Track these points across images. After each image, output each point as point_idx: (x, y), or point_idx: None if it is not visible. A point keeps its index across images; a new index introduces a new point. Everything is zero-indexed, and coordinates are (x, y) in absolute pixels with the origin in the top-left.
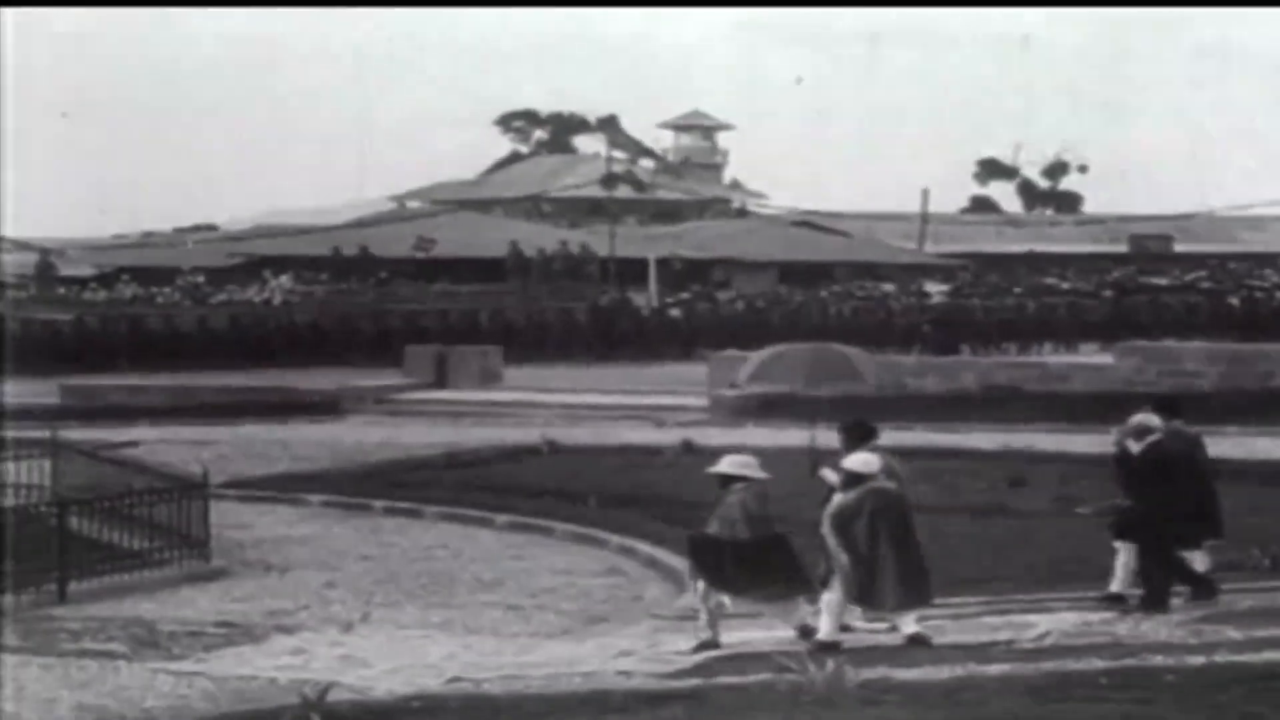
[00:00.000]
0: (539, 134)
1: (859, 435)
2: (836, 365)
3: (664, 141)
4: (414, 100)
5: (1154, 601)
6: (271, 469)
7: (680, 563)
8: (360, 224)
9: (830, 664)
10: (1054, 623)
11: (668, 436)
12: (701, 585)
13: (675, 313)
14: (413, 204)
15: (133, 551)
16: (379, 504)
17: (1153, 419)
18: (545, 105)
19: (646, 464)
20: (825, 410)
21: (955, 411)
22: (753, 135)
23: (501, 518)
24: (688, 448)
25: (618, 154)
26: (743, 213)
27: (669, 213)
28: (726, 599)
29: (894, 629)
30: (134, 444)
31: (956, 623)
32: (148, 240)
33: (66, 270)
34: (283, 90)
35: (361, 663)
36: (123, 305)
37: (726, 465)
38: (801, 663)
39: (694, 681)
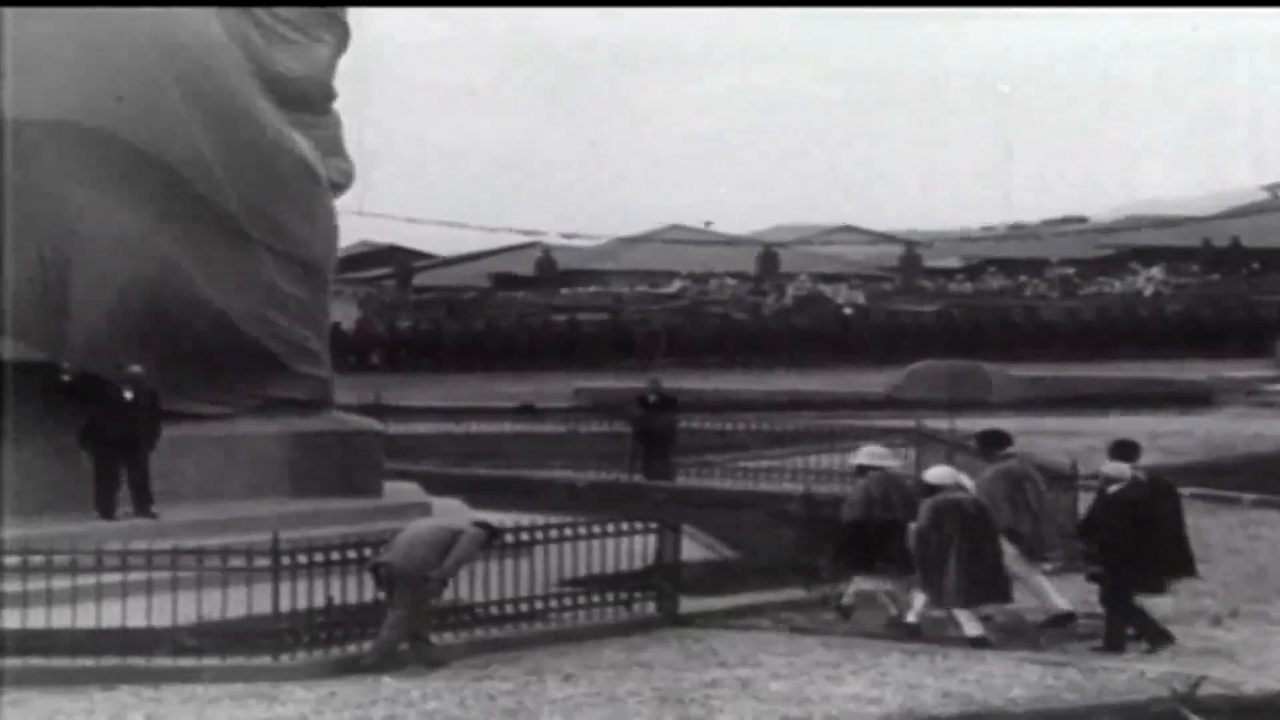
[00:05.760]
0: None
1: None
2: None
3: None
4: None
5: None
6: None
7: None
8: (1233, 214)
9: None
10: None
11: None
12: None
13: None
14: None
15: None
16: (1248, 497)
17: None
18: None
19: None
20: None
21: None
22: None
23: None
24: None
25: None
26: None
27: None
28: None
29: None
30: None
31: None
32: (1014, 232)
33: (932, 262)
34: (1124, 84)
35: (1230, 658)
36: (990, 297)
37: (862, 457)
38: None
39: None
